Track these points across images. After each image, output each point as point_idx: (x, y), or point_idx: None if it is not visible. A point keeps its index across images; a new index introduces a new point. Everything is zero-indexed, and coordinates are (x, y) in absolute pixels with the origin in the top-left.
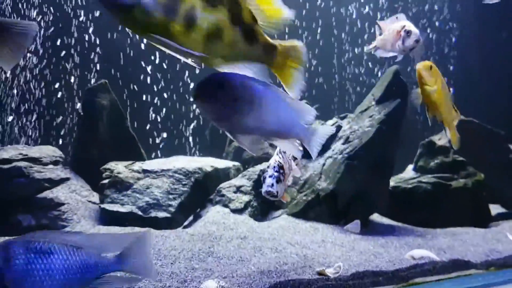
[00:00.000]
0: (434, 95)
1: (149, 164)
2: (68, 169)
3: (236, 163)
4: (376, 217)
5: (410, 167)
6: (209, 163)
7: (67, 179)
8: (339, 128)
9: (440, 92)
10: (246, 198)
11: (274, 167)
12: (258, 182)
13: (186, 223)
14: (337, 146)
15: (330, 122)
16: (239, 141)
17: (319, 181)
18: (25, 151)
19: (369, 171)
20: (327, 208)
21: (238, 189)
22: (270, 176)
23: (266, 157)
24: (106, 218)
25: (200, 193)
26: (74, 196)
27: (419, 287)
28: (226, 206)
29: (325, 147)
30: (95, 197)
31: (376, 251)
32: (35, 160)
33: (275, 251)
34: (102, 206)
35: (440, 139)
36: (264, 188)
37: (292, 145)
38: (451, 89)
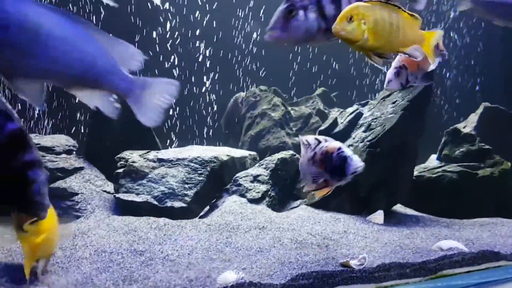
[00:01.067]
0: (371, 42)
1: (164, 153)
2: (82, 158)
3: (252, 153)
4: (399, 207)
5: (433, 156)
6: (225, 152)
7: (81, 168)
8: (360, 115)
9: (378, 35)
10: (263, 187)
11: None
12: (275, 172)
13: (202, 213)
14: (358, 133)
15: (350, 109)
16: (17, 88)
17: None
18: (37, 140)
19: (392, 160)
20: (348, 198)
21: (255, 179)
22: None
23: (283, 147)
24: (121, 208)
25: (216, 182)
26: (88, 186)
27: (447, 279)
28: (243, 196)
29: (346, 135)
30: (110, 186)
31: (402, 242)
32: (48, 149)
33: (295, 242)
34: (117, 195)
35: (465, 127)
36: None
37: (105, 101)
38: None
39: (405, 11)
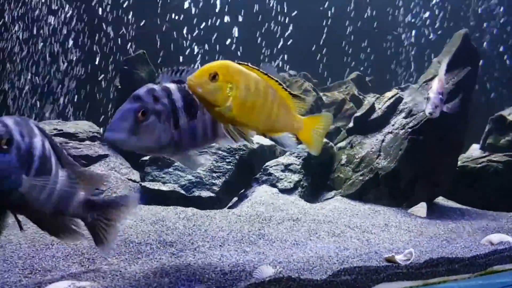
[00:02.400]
0: (234, 113)
1: None
2: (106, 146)
3: None
4: (440, 200)
5: (474, 146)
6: (253, 139)
7: (106, 156)
8: (400, 100)
9: (245, 108)
10: (295, 177)
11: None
12: (307, 160)
13: (230, 203)
14: (398, 120)
15: (389, 94)
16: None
17: (378, 159)
18: (60, 126)
19: (435, 148)
20: (387, 189)
21: (286, 168)
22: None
23: None
24: (147, 196)
25: (245, 171)
26: (114, 174)
27: (498, 275)
28: (273, 185)
29: (384, 122)
30: (135, 175)
31: (448, 236)
32: (71, 136)
33: (333, 235)
34: (143, 184)
35: (511, 114)
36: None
37: None
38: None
39: (286, 90)
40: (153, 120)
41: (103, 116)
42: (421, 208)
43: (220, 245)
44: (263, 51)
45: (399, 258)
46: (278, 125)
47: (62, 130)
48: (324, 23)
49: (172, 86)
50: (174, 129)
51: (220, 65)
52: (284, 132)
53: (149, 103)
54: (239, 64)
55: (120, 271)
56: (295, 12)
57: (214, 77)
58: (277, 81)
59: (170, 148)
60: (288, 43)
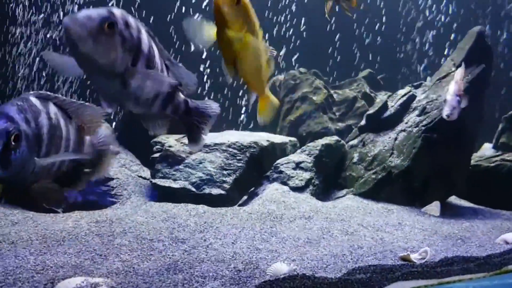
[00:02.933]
0: (238, 46)
1: None
2: (117, 142)
3: (293, 139)
4: (453, 199)
5: (486, 145)
6: (264, 137)
7: (117, 152)
8: (413, 97)
9: (248, 45)
10: (307, 175)
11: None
12: (319, 158)
13: (241, 201)
14: (412, 118)
15: (402, 91)
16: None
17: (391, 158)
18: None
19: (449, 146)
20: (401, 187)
21: (297, 166)
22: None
23: (325, 133)
24: (158, 193)
25: (256, 169)
26: (124, 171)
27: None
28: (284, 183)
29: (397, 120)
30: (146, 172)
31: (463, 235)
32: None
33: (346, 233)
34: (154, 181)
35: None
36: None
37: None
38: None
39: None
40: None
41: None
42: (434, 207)
43: (233, 243)
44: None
45: (414, 256)
46: (258, 82)
47: None
48: (336, 20)
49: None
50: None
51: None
52: (253, 91)
53: (19, 124)
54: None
55: (133, 268)
56: (307, 8)
57: (238, 2)
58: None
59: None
60: (299, 40)
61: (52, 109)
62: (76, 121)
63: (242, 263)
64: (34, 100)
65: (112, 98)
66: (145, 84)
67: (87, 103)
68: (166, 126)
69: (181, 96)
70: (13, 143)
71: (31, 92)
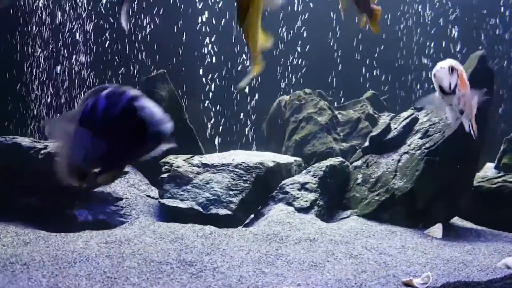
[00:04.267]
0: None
1: (209, 158)
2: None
3: (298, 159)
4: (456, 220)
5: (489, 165)
6: (270, 157)
7: (125, 172)
8: (415, 120)
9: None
10: (311, 196)
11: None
12: (324, 179)
13: (247, 221)
14: (414, 140)
15: (405, 114)
16: None
17: (394, 179)
18: None
19: (451, 169)
20: (403, 209)
21: (302, 186)
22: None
23: (330, 153)
24: (166, 213)
25: (262, 189)
26: (133, 191)
27: None
28: (290, 204)
29: (400, 142)
30: (154, 191)
31: (465, 258)
32: None
33: (350, 256)
34: (162, 201)
35: None
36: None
37: None
38: None
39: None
40: None
41: None
42: (437, 229)
43: (239, 266)
44: (278, 69)
45: (416, 281)
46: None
47: None
48: (339, 41)
49: None
50: None
51: None
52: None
53: None
54: None
55: None
56: (311, 29)
57: None
58: None
59: None
60: (303, 60)
61: None
62: None
63: (248, 287)
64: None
65: None
66: None
67: None
68: None
69: None
70: None
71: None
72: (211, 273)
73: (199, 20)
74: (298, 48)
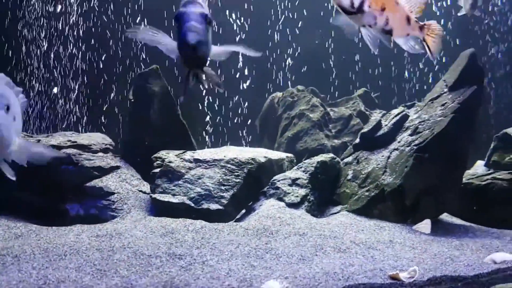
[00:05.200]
0: None
1: (201, 154)
2: (118, 157)
3: (289, 155)
4: (445, 216)
5: (479, 162)
6: (262, 153)
7: (117, 167)
8: (406, 117)
9: None
10: (302, 191)
11: None
12: (314, 175)
13: (238, 216)
14: (404, 137)
15: (395, 111)
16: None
17: (383, 176)
18: (74, 138)
19: (441, 166)
20: (393, 205)
21: (293, 182)
22: None
23: (321, 149)
24: (157, 208)
25: (253, 185)
26: (125, 185)
27: None
28: (281, 199)
29: (390, 139)
30: (146, 186)
31: (452, 254)
32: (84, 148)
33: (339, 251)
34: (153, 196)
35: None
36: None
37: None
38: None
39: None
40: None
41: (116, 129)
42: (425, 225)
43: (228, 259)
44: (270, 65)
45: (403, 275)
46: None
47: (76, 141)
48: (332, 39)
49: None
50: None
51: None
52: None
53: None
54: None
55: (131, 284)
56: (304, 26)
57: None
58: None
59: None
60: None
61: None
62: None
63: (236, 280)
64: None
65: None
66: None
67: None
68: None
69: None
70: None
71: None
72: (200, 266)
73: None
74: (293, 45)
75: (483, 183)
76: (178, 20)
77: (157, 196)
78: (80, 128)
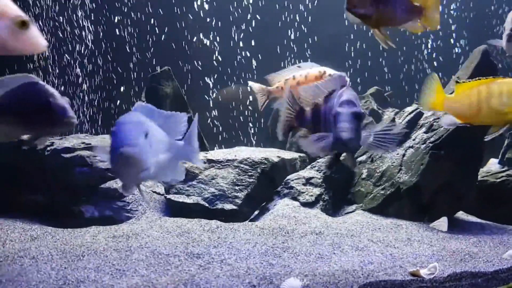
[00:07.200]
0: None
1: (214, 154)
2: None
3: (302, 154)
4: (460, 214)
5: (492, 160)
6: (274, 153)
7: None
8: (420, 114)
9: None
10: (316, 191)
11: None
12: (328, 174)
13: (252, 216)
14: (419, 134)
15: (409, 108)
16: None
17: (399, 174)
18: (88, 140)
19: (456, 163)
20: (409, 203)
21: (307, 181)
22: None
23: None
24: (172, 209)
25: (267, 184)
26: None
27: None
28: (295, 199)
29: (405, 136)
30: (160, 187)
31: (470, 250)
32: None
33: (356, 249)
34: (168, 196)
35: None
36: None
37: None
38: None
39: None
40: None
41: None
42: (442, 223)
43: (246, 258)
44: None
45: (423, 272)
46: None
47: (90, 144)
48: (345, 37)
49: None
50: None
51: None
52: None
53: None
54: None
55: (152, 282)
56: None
57: None
58: None
59: None
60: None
61: None
62: None
63: (256, 278)
64: None
65: None
66: None
67: None
68: None
69: None
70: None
71: None
72: (219, 265)
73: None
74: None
75: (498, 180)
76: (334, 118)
77: (172, 196)
78: (93, 130)
